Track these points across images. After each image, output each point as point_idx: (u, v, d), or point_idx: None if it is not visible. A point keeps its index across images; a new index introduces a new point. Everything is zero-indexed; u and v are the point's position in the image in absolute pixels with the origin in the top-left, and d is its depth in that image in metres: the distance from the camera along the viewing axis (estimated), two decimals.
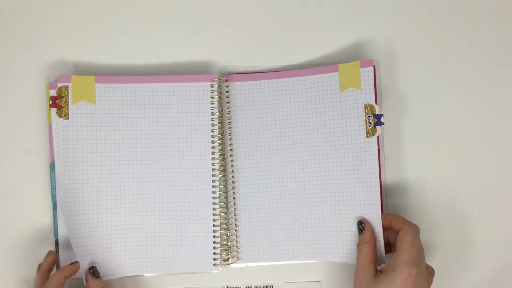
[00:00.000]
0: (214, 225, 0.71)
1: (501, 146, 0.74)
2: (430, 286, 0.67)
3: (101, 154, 0.71)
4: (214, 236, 0.71)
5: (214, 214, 0.71)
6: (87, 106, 0.71)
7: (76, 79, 0.71)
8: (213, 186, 0.71)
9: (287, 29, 0.74)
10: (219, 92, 0.72)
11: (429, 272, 0.67)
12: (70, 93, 0.70)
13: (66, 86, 0.70)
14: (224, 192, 0.72)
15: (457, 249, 0.73)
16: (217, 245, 0.71)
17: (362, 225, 0.68)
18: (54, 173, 0.71)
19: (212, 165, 0.71)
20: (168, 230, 0.71)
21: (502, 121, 0.74)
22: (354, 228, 0.71)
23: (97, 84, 0.71)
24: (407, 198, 0.74)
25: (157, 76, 0.72)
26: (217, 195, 0.71)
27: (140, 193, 0.71)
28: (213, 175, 0.71)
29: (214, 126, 0.72)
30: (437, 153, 0.74)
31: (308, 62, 0.74)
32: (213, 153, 0.72)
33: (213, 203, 0.71)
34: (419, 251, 0.64)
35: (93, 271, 0.68)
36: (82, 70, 0.73)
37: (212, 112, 0.72)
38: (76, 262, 0.69)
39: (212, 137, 0.72)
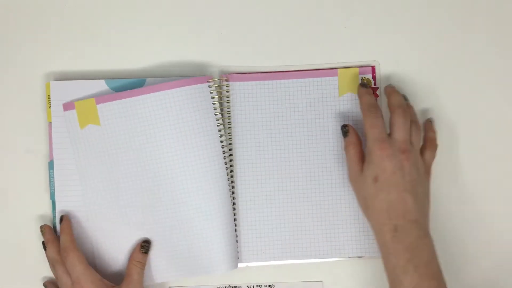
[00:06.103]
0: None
1: (502, 146, 0.74)
2: (434, 155, 0.70)
3: (100, 154, 0.71)
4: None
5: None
6: (94, 128, 0.70)
7: (79, 105, 0.70)
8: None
9: (287, 29, 0.75)
10: (219, 92, 0.72)
11: (431, 144, 0.70)
12: (76, 119, 0.70)
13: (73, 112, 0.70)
14: None
15: (456, 249, 0.73)
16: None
17: (346, 128, 0.70)
18: (53, 172, 0.70)
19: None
20: (175, 234, 0.70)
21: (502, 121, 0.74)
22: (354, 226, 0.71)
23: (98, 106, 0.70)
24: None
25: (151, 86, 0.70)
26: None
27: (136, 193, 0.70)
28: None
29: (219, 126, 0.71)
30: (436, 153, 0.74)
31: (308, 62, 0.74)
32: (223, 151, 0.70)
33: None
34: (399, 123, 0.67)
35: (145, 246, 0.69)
36: (81, 70, 0.74)
37: (215, 113, 0.71)
38: (62, 215, 0.69)
39: (220, 136, 0.71)
